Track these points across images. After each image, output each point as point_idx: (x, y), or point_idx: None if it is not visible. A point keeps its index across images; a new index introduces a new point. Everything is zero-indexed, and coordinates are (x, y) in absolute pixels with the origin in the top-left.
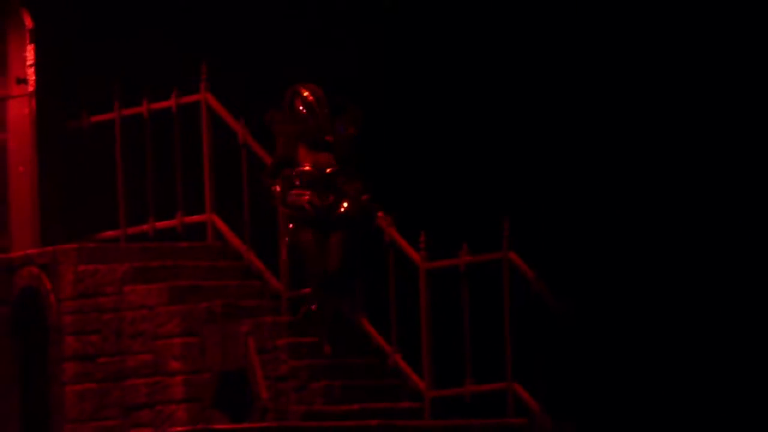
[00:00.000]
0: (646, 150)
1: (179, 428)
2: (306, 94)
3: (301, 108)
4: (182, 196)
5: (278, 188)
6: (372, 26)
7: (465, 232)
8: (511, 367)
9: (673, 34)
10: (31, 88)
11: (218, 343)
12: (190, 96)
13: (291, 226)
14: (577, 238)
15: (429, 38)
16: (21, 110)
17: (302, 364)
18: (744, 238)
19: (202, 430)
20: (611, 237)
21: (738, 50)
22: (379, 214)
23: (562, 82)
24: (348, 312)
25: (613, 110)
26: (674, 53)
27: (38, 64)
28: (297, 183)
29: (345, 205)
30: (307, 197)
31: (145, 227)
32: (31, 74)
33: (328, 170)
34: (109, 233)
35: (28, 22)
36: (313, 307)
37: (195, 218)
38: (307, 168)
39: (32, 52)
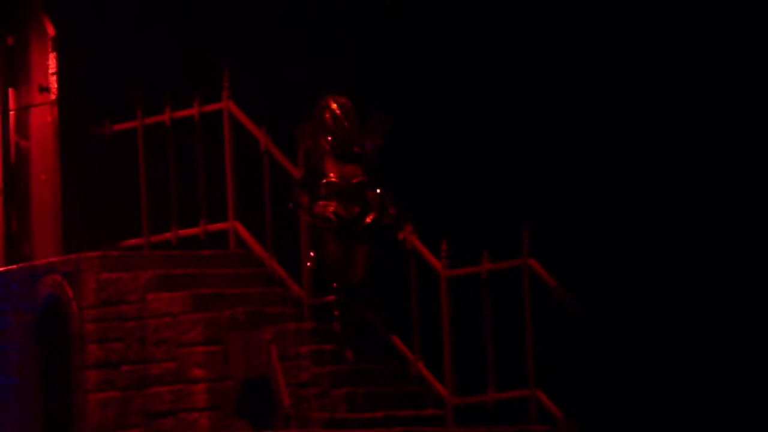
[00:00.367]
0: (668, 157)
1: None
2: (335, 106)
3: (330, 121)
4: (205, 203)
5: (306, 199)
6: (394, 31)
7: (485, 240)
8: (534, 374)
9: (692, 42)
10: (53, 97)
11: (241, 350)
12: (212, 104)
13: (317, 235)
14: (597, 245)
15: (450, 46)
16: (43, 118)
17: (324, 371)
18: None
19: None
20: (631, 244)
21: (748, 52)
22: (407, 227)
23: (582, 90)
24: (372, 322)
25: (635, 118)
26: (698, 64)
27: (60, 73)
28: (323, 193)
29: (371, 216)
30: (332, 208)
31: (168, 235)
32: (53, 82)
33: (354, 181)
34: (132, 241)
35: (51, 31)
36: (336, 312)
37: (218, 226)
38: (333, 179)
39: (54, 60)
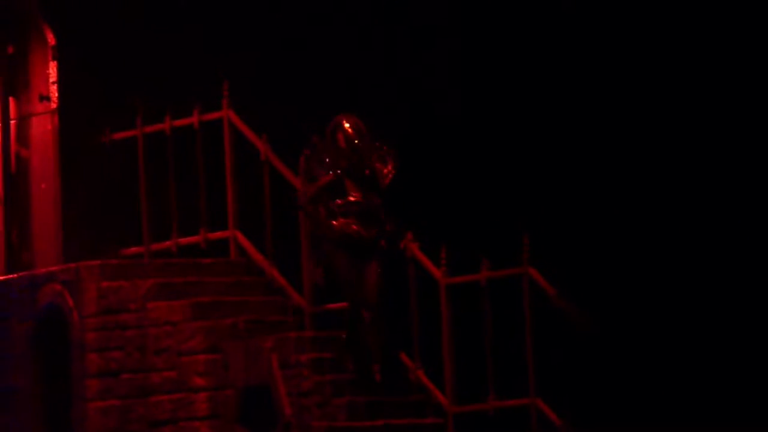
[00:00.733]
0: (669, 167)
1: None
2: (347, 126)
3: (343, 143)
4: (205, 212)
5: (323, 214)
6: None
7: (485, 248)
8: (534, 383)
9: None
10: (53, 105)
11: (242, 359)
12: (212, 113)
13: (329, 252)
14: (597, 253)
15: (449, 55)
16: (44, 127)
17: (325, 380)
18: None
19: None
20: (631, 253)
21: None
22: (407, 235)
23: (582, 99)
24: (384, 336)
25: (634, 127)
26: (707, 75)
27: (61, 81)
28: (342, 211)
29: (385, 239)
30: (356, 227)
31: (168, 243)
32: (53, 91)
33: (374, 202)
34: (133, 249)
35: (51, 39)
36: (344, 334)
37: (218, 234)
38: (352, 198)
39: (55, 69)
